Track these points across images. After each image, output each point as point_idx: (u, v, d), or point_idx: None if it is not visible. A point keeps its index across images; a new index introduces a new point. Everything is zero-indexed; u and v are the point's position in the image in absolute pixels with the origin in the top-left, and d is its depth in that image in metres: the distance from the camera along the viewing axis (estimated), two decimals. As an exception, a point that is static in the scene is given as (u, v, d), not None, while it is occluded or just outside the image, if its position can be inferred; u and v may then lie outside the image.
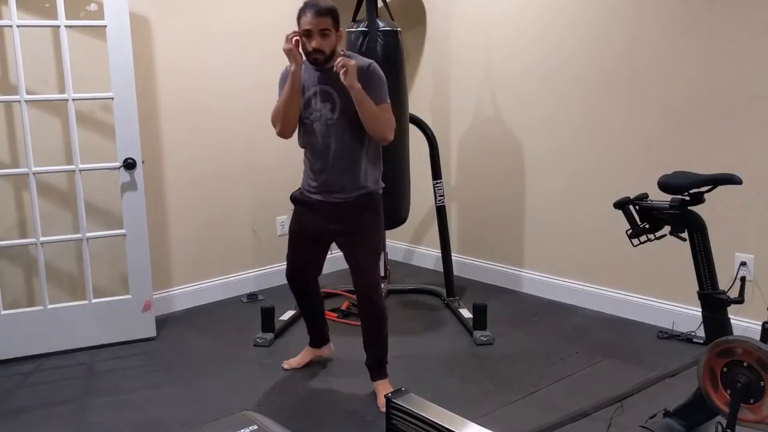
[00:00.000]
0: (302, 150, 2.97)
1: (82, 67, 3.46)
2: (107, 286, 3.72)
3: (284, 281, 4.25)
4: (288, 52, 2.73)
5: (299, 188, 3.03)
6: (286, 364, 3.24)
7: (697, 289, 2.42)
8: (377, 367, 3.00)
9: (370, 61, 2.87)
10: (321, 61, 2.75)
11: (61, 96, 3.39)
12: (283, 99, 2.80)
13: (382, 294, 2.98)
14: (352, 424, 2.76)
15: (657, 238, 2.52)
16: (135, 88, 3.46)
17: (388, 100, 2.84)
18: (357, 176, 2.86)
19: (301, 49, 2.77)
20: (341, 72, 2.64)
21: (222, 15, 4.04)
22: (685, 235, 2.42)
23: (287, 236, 3.12)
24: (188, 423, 2.76)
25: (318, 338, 3.29)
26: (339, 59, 2.67)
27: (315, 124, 2.83)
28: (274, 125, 2.86)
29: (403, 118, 3.89)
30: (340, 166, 2.84)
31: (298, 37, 2.73)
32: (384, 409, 2.82)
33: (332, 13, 2.74)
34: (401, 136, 3.87)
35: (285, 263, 3.13)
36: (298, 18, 2.75)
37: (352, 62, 2.67)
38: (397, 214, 3.92)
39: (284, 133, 2.87)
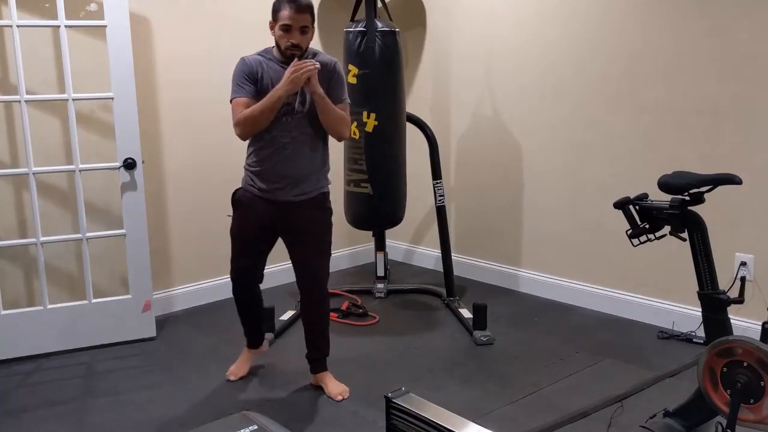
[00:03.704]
0: None
1: (82, 67, 3.46)
2: (107, 286, 3.72)
3: (285, 281, 4.30)
4: (296, 81, 2.68)
5: (240, 188, 2.95)
6: (232, 376, 3.14)
7: (697, 289, 2.42)
8: (321, 359, 3.03)
9: (335, 59, 2.92)
10: (297, 56, 2.76)
11: (61, 96, 3.39)
12: (262, 112, 2.73)
13: (328, 291, 3.01)
14: (352, 424, 2.76)
15: (657, 238, 2.52)
16: (135, 88, 3.46)
17: (348, 99, 2.92)
18: (318, 172, 2.90)
19: (275, 42, 2.80)
20: (303, 78, 2.66)
21: (222, 14, 4.04)
22: (685, 235, 2.42)
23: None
24: (188, 423, 2.76)
25: (258, 338, 3.24)
26: (295, 66, 2.66)
27: (283, 117, 2.80)
28: (239, 127, 2.77)
29: (401, 118, 3.89)
30: (304, 160, 2.84)
31: (314, 74, 2.69)
32: (339, 398, 2.93)
33: (311, 10, 2.77)
34: (398, 136, 3.88)
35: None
36: (276, 11, 2.74)
37: (314, 68, 2.67)
38: (393, 215, 3.93)
39: (247, 137, 2.85)
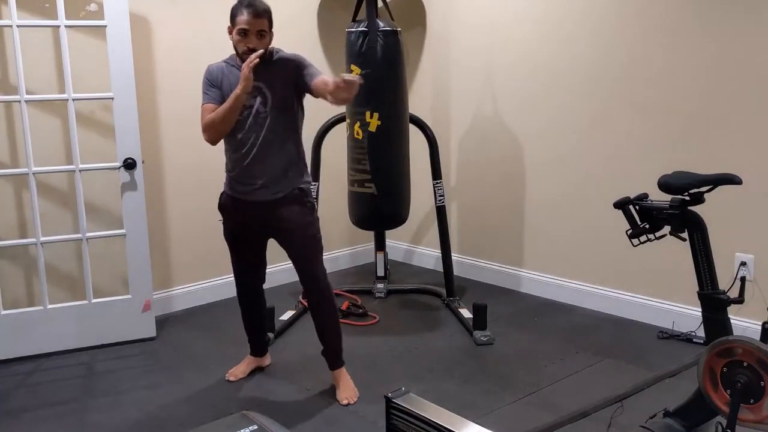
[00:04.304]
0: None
1: (82, 67, 3.46)
2: (107, 286, 3.72)
3: (285, 281, 4.30)
4: (245, 75, 2.67)
5: (223, 192, 2.99)
6: (231, 377, 3.16)
7: (697, 289, 2.42)
8: (335, 354, 3.03)
9: (294, 53, 2.91)
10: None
11: (61, 96, 3.39)
12: (224, 114, 2.74)
13: (330, 285, 2.99)
14: (352, 424, 2.76)
15: (657, 238, 2.52)
16: (135, 88, 3.46)
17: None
18: (291, 170, 2.88)
19: (233, 47, 2.81)
20: (348, 92, 2.55)
21: (222, 14, 4.02)
22: (685, 235, 2.42)
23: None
24: (188, 423, 2.76)
25: (261, 346, 3.25)
26: (342, 79, 2.53)
27: (247, 120, 2.81)
28: (206, 132, 2.80)
29: (404, 118, 3.89)
30: (274, 158, 2.84)
31: (258, 62, 2.68)
32: (345, 402, 2.91)
33: (269, 14, 2.78)
34: (401, 136, 3.88)
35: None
36: (234, 15, 2.75)
37: (255, 58, 2.66)
38: (397, 214, 3.93)
39: (215, 141, 2.86)
